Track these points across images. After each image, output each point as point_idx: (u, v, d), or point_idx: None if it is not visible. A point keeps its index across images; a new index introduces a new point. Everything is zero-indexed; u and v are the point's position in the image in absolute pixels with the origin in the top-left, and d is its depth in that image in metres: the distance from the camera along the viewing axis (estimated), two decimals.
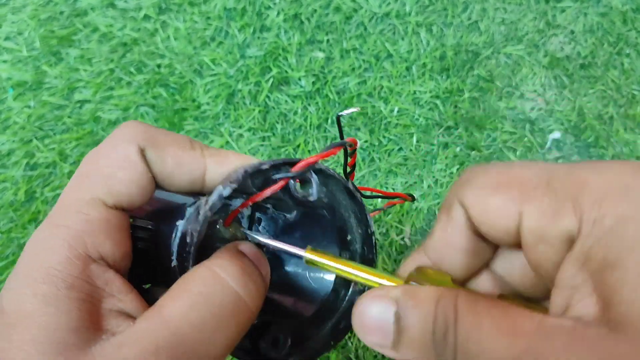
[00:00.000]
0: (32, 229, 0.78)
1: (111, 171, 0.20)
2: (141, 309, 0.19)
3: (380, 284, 0.20)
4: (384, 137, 0.85)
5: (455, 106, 0.88)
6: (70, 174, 0.82)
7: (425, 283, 0.19)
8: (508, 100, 0.89)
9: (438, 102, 0.87)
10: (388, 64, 0.90)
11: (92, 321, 0.18)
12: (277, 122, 0.85)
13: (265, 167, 0.22)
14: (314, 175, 0.24)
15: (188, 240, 0.21)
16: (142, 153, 0.21)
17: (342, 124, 0.85)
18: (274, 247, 0.24)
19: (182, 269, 0.21)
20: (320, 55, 0.90)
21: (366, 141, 0.84)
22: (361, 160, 0.83)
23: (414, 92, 0.88)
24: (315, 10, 0.93)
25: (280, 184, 0.22)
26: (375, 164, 0.83)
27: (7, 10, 0.93)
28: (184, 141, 0.22)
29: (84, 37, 0.91)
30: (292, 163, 0.23)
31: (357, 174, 0.82)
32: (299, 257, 0.23)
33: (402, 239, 0.79)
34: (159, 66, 0.89)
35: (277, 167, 0.23)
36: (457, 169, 0.83)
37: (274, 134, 0.84)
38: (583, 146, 0.87)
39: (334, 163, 0.83)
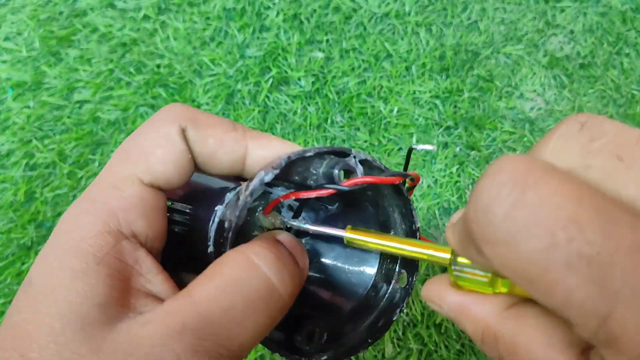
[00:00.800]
0: (31, 229, 0.78)
1: (150, 149, 0.20)
2: (170, 292, 0.19)
3: (427, 255, 0.19)
4: (383, 137, 0.85)
5: (455, 106, 0.88)
6: (70, 174, 0.82)
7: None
8: (508, 100, 0.89)
9: (437, 102, 0.87)
10: (387, 63, 0.90)
11: (119, 298, 0.17)
12: (277, 122, 0.85)
13: (309, 154, 0.21)
14: (359, 165, 0.23)
15: (226, 225, 0.20)
16: (184, 133, 0.21)
17: (342, 125, 0.85)
18: (314, 231, 0.23)
19: (218, 255, 0.20)
20: (320, 55, 0.90)
21: (366, 141, 0.84)
22: None
23: (414, 92, 0.88)
24: (315, 10, 0.93)
25: (328, 191, 0.21)
26: None
27: (6, 10, 0.93)
28: (226, 123, 0.22)
29: (83, 37, 0.91)
30: (339, 152, 0.22)
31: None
32: (339, 240, 0.22)
33: None
34: (158, 66, 0.89)
35: (321, 155, 0.22)
36: (457, 169, 0.83)
37: (273, 134, 0.84)
38: None
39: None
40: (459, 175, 0.83)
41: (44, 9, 0.93)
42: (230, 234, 0.20)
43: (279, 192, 0.24)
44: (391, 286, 0.25)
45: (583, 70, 0.92)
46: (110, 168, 0.20)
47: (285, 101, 0.87)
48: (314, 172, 0.22)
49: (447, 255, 0.19)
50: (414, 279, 0.25)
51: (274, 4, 0.94)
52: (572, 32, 0.95)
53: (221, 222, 0.21)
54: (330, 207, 0.27)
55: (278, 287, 0.19)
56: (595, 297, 0.11)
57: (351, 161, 0.22)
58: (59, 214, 0.79)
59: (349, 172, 0.22)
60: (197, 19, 0.93)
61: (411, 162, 0.83)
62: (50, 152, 0.83)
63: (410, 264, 0.25)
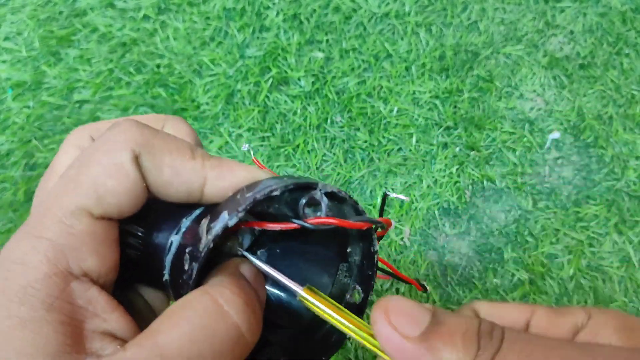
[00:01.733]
0: None
1: (101, 179, 0.19)
2: (127, 329, 0.18)
3: (366, 342, 0.20)
4: (383, 137, 0.85)
5: (455, 106, 0.88)
6: None
7: None
8: (507, 100, 0.89)
9: (437, 102, 0.87)
10: (387, 64, 0.90)
11: (73, 344, 0.16)
12: (277, 122, 0.85)
13: (276, 193, 0.21)
14: (324, 198, 0.22)
15: (186, 267, 0.20)
16: (137, 160, 0.19)
17: (342, 125, 0.85)
18: (270, 276, 0.22)
19: (176, 286, 0.20)
20: (320, 55, 0.90)
21: (365, 141, 0.84)
22: (360, 161, 0.83)
23: (414, 92, 0.88)
24: (315, 10, 0.93)
25: (293, 225, 0.21)
26: (374, 164, 0.83)
27: (6, 10, 0.93)
28: (184, 148, 0.21)
29: (83, 37, 0.91)
30: (304, 186, 0.22)
31: (356, 175, 0.82)
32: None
33: (402, 239, 0.79)
34: (158, 66, 0.89)
35: (290, 191, 0.21)
36: (457, 169, 0.83)
37: (273, 134, 0.84)
38: (582, 146, 0.87)
39: (333, 164, 0.83)
40: (458, 176, 0.83)
41: (43, 9, 0.93)
42: (193, 273, 0.20)
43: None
44: (344, 301, 0.25)
45: (583, 71, 0.92)
46: (56, 198, 0.19)
47: (285, 101, 0.87)
48: (277, 205, 0.22)
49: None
50: (369, 295, 0.25)
51: (274, 4, 0.94)
52: (572, 32, 0.95)
53: (178, 255, 0.21)
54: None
55: (246, 334, 0.19)
56: None
57: (317, 194, 0.22)
58: None
59: (313, 204, 0.23)
60: (197, 19, 0.93)
61: (411, 163, 0.83)
62: (50, 152, 0.83)
63: (366, 281, 0.25)
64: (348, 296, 0.25)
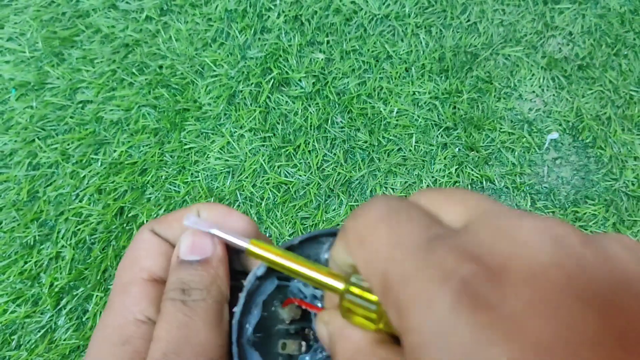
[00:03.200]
0: (34, 228, 0.78)
1: (137, 252, 0.25)
2: None
3: (323, 281, 0.21)
4: (383, 137, 0.85)
5: (454, 107, 0.88)
6: (72, 173, 0.82)
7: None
8: (506, 101, 0.90)
9: (437, 103, 0.88)
10: (387, 65, 0.91)
11: None
12: (278, 123, 0.86)
13: (297, 241, 0.23)
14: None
15: (232, 321, 0.22)
16: (153, 231, 0.26)
17: (342, 125, 0.86)
18: (221, 238, 0.25)
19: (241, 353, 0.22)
20: (321, 56, 0.91)
21: (366, 141, 0.85)
22: (361, 161, 0.84)
23: (413, 93, 0.89)
24: (316, 12, 0.94)
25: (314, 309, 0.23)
26: (374, 164, 0.84)
27: (9, 11, 0.94)
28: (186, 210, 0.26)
29: (86, 38, 0.92)
30: (330, 234, 0.23)
31: (356, 175, 0.83)
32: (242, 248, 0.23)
33: None
34: (160, 67, 0.90)
35: (311, 239, 0.23)
36: (456, 169, 0.84)
37: (274, 135, 0.85)
38: (581, 146, 0.88)
39: (334, 164, 0.84)
40: (458, 176, 0.84)
41: (47, 9, 0.94)
42: (234, 328, 0.22)
43: (296, 283, 0.25)
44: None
45: (581, 72, 0.93)
46: (117, 279, 0.25)
47: (286, 102, 0.87)
48: (314, 258, 0.24)
49: (341, 285, 0.19)
50: None
51: (275, 5, 0.95)
52: (570, 33, 0.96)
53: (240, 327, 0.23)
54: None
55: None
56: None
57: None
58: (62, 213, 0.80)
59: None
60: (199, 20, 0.93)
61: (411, 163, 0.84)
62: (53, 152, 0.83)
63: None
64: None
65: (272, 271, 0.23)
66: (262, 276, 0.23)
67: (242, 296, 0.22)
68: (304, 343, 0.25)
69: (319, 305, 0.25)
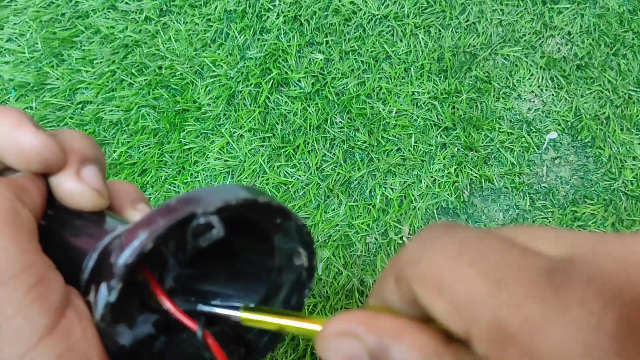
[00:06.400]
0: None
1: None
2: None
3: (300, 328, 0.19)
4: (382, 137, 0.86)
5: (453, 107, 0.89)
6: None
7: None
8: (505, 101, 0.90)
9: (436, 103, 0.88)
10: (387, 65, 0.91)
11: None
12: (277, 123, 0.86)
13: (148, 247, 0.18)
14: (213, 216, 0.19)
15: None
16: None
17: (342, 126, 0.86)
18: (209, 313, 0.22)
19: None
20: (320, 56, 0.91)
21: (365, 142, 0.85)
22: (360, 161, 0.84)
23: (413, 93, 0.89)
24: (315, 12, 0.94)
25: (189, 325, 0.20)
26: (374, 164, 0.84)
27: (9, 11, 0.94)
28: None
29: (85, 38, 0.92)
30: (182, 221, 0.19)
31: (356, 175, 0.83)
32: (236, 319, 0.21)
33: (401, 238, 0.80)
34: (160, 67, 0.90)
35: (170, 230, 0.19)
36: (455, 169, 0.84)
37: (274, 135, 0.85)
38: (580, 146, 0.88)
39: (333, 164, 0.84)
40: (457, 176, 0.84)
41: (46, 10, 0.94)
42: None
43: (171, 247, 0.22)
44: (293, 265, 0.24)
45: (580, 72, 0.93)
46: None
47: (286, 102, 0.87)
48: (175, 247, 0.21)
49: (318, 327, 0.17)
50: (315, 256, 0.24)
51: (275, 6, 0.95)
52: (569, 33, 0.96)
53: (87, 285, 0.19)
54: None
55: None
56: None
57: (201, 221, 0.19)
58: None
59: (209, 229, 0.20)
60: (199, 20, 0.93)
61: (410, 163, 0.84)
62: None
63: (308, 245, 0.23)
64: (296, 260, 0.23)
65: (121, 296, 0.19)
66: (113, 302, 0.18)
67: (96, 322, 0.18)
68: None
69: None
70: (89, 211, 0.21)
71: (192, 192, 0.20)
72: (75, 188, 0.20)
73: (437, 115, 0.88)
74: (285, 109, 0.87)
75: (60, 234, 0.21)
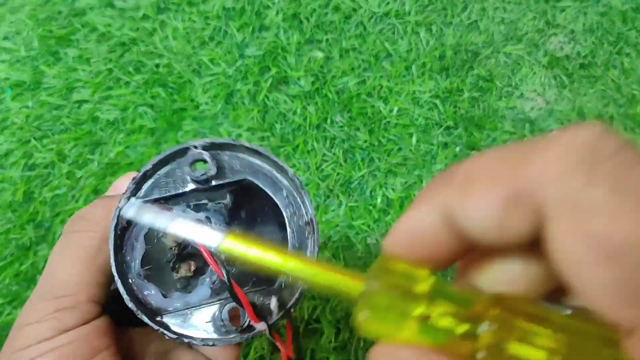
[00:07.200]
0: (30, 230, 0.78)
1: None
2: None
3: (331, 281, 0.14)
4: (383, 137, 0.84)
5: (455, 106, 0.88)
6: (69, 174, 0.81)
7: (390, 281, 0.13)
8: (508, 100, 0.89)
9: (437, 101, 0.87)
10: (387, 63, 0.90)
11: None
12: (276, 122, 0.85)
13: (148, 168, 0.23)
14: (203, 152, 0.24)
15: (132, 269, 0.23)
16: None
17: (342, 125, 0.85)
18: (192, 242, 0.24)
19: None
20: (320, 54, 0.90)
21: (365, 141, 0.84)
22: (360, 161, 0.83)
23: (414, 92, 0.88)
24: (315, 10, 0.93)
25: (217, 269, 0.22)
26: (374, 164, 0.83)
27: (5, 10, 0.93)
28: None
29: (82, 36, 0.91)
30: (178, 152, 0.24)
31: (356, 175, 0.82)
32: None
33: None
34: (157, 66, 0.89)
35: (164, 162, 0.24)
36: None
37: (273, 134, 0.84)
38: None
39: (333, 164, 0.83)
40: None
41: (42, 8, 0.93)
42: (113, 270, 0.22)
43: (180, 209, 0.25)
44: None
45: (583, 70, 0.92)
46: None
47: (285, 101, 0.86)
48: (178, 179, 0.24)
49: (359, 286, 0.13)
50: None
51: (274, 3, 0.94)
52: (572, 31, 0.95)
53: (120, 262, 0.23)
54: (224, 201, 0.27)
55: None
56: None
57: (193, 153, 0.24)
58: (58, 214, 0.79)
59: (201, 161, 0.24)
60: (196, 18, 0.92)
61: (411, 162, 0.83)
62: (49, 152, 0.82)
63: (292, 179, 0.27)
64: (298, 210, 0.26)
65: (132, 199, 0.23)
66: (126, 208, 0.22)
67: (110, 234, 0.22)
68: (192, 262, 0.25)
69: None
70: None
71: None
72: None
73: (438, 114, 0.86)
74: (284, 108, 0.86)
75: None
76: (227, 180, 0.24)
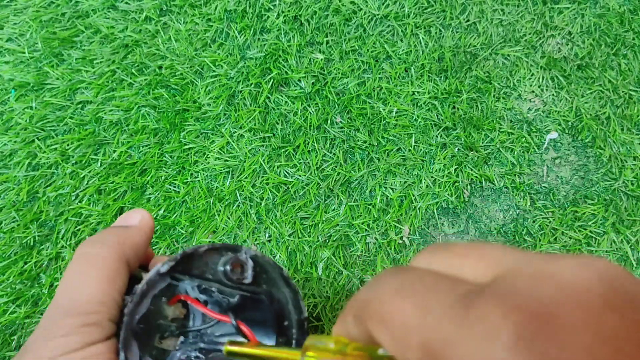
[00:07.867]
0: (34, 229, 0.78)
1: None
2: None
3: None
4: (382, 137, 0.85)
5: (454, 107, 0.89)
6: (72, 174, 0.82)
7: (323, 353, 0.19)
8: (506, 101, 0.90)
9: (436, 102, 0.88)
10: (387, 65, 0.91)
11: None
12: (277, 123, 0.86)
13: (202, 250, 0.25)
14: (249, 261, 0.26)
15: (125, 311, 0.23)
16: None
17: (342, 125, 0.86)
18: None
19: (124, 341, 0.23)
20: (320, 56, 0.91)
21: (365, 141, 0.85)
22: (360, 161, 0.84)
23: (413, 93, 0.89)
24: (315, 12, 0.94)
25: (224, 318, 0.25)
26: (374, 164, 0.84)
27: (9, 11, 0.94)
28: None
29: (85, 38, 0.92)
30: (230, 248, 0.26)
31: (356, 175, 0.83)
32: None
33: (401, 238, 0.79)
34: (160, 67, 0.90)
35: (215, 250, 0.25)
36: (455, 169, 0.84)
37: (274, 135, 0.85)
38: (580, 146, 0.88)
39: (333, 164, 0.84)
40: (457, 176, 0.84)
41: (46, 10, 0.94)
42: (125, 317, 0.23)
43: (185, 285, 0.27)
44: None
45: (581, 72, 0.93)
46: None
47: (286, 102, 0.87)
48: (212, 267, 0.26)
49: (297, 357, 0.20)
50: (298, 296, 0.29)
51: (275, 5, 0.95)
52: (570, 33, 0.96)
53: (132, 314, 0.24)
54: (231, 299, 0.29)
55: None
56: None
57: (242, 256, 0.26)
58: (61, 214, 0.80)
59: (240, 266, 0.26)
60: (199, 20, 0.93)
61: (410, 163, 0.84)
62: (52, 152, 0.83)
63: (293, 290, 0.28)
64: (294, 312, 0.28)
65: (172, 270, 0.24)
66: (163, 273, 0.24)
67: (140, 288, 0.24)
68: (181, 338, 0.26)
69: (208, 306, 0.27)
70: None
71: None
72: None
73: (437, 115, 0.87)
74: (285, 109, 0.87)
75: None
76: (250, 291, 0.27)
